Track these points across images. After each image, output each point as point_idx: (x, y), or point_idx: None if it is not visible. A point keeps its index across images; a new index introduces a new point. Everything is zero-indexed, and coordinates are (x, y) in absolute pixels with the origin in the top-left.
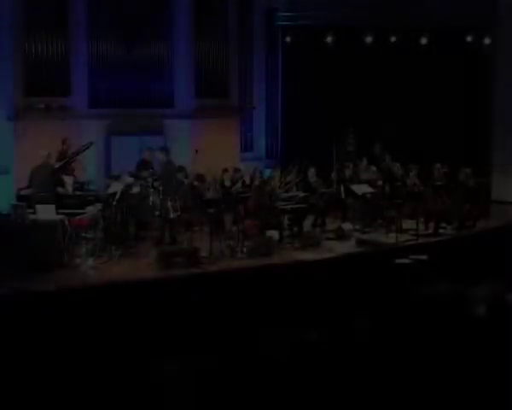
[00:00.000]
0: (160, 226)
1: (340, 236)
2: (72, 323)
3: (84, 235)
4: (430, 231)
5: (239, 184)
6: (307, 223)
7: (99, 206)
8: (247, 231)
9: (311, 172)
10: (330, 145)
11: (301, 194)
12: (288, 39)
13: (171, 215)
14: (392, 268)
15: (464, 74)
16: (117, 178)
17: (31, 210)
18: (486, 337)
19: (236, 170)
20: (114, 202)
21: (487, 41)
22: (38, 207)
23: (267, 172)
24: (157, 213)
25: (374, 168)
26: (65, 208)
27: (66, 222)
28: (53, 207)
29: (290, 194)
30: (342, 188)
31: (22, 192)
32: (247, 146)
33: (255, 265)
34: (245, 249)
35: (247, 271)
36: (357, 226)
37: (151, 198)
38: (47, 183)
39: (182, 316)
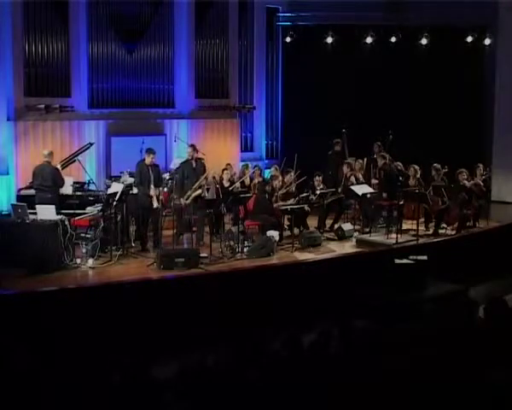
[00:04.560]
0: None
1: (340, 236)
2: (72, 323)
3: (84, 235)
4: (430, 231)
5: (237, 184)
6: (310, 224)
7: (99, 206)
8: (247, 231)
9: (318, 180)
10: (330, 145)
11: (303, 195)
12: (287, 39)
13: (155, 205)
14: (392, 268)
15: (464, 74)
16: (117, 178)
17: (31, 210)
18: (486, 338)
19: (229, 166)
20: (114, 202)
21: (487, 41)
22: (38, 207)
23: (267, 173)
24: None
25: (381, 162)
26: (66, 209)
27: (66, 222)
28: (53, 207)
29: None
30: (341, 188)
31: (22, 192)
32: (247, 146)
33: (255, 265)
34: (245, 249)
35: (247, 271)
36: (357, 226)
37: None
38: (49, 183)
39: (181, 316)
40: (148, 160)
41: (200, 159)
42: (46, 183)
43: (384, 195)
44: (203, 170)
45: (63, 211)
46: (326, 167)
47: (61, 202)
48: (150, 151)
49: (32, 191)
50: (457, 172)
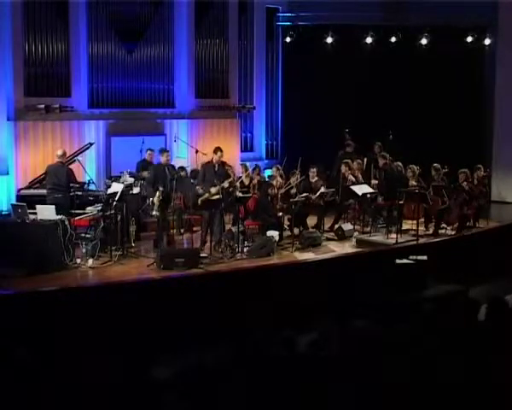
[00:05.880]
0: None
1: (340, 236)
2: (72, 323)
3: (84, 235)
4: (430, 231)
5: (236, 184)
6: (309, 224)
7: (99, 206)
8: (247, 231)
9: (312, 172)
10: (330, 145)
11: (302, 195)
12: (287, 39)
13: (154, 212)
14: (392, 268)
15: (464, 74)
16: (117, 178)
17: (31, 210)
18: (486, 338)
19: (229, 167)
20: (114, 202)
21: (487, 41)
22: (38, 207)
23: (267, 173)
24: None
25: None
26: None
27: (66, 222)
28: (53, 207)
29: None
30: (341, 188)
31: (22, 192)
32: (247, 146)
33: (255, 265)
34: (245, 249)
35: (247, 271)
36: (357, 226)
37: (151, 198)
38: (64, 183)
39: (181, 316)
40: (163, 159)
41: (224, 163)
42: (61, 183)
43: (380, 198)
44: (226, 175)
45: (74, 211)
46: (333, 167)
47: (73, 203)
48: (164, 150)
49: (33, 191)
50: (459, 172)
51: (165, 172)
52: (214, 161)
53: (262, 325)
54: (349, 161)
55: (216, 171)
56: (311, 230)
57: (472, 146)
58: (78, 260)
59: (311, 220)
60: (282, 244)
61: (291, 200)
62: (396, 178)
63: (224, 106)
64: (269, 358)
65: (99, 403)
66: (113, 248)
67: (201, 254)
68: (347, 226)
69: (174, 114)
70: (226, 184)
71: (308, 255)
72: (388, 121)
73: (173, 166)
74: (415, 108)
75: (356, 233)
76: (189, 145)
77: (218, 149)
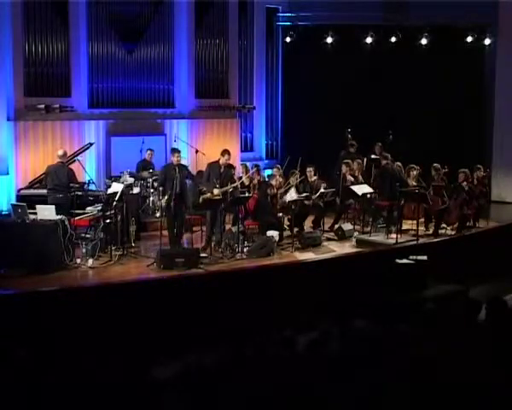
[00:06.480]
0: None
1: (340, 236)
2: (72, 323)
3: (84, 235)
4: (430, 231)
5: (237, 183)
6: (307, 223)
7: (99, 206)
8: (246, 231)
9: (310, 171)
10: (330, 145)
11: (302, 195)
12: (287, 39)
13: (157, 214)
14: (392, 268)
15: (464, 74)
16: (117, 178)
17: (31, 210)
18: (486, 338)
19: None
20: (114, 202)
21: (487, 41)
22: (38, 207)
23: (267, 172)
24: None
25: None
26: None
27: (66, 222)
28: (53, 207)
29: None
30: (341, 188)
31: (22, 192)
32: (247, 146)
33: (255, 265)
34: (245, 249)
35: (247, 271)
36: (357, 226)
37: (151, 198)
38: (65, 183)
39: (181, 316)
40: (174, 159)
41: (230, 166)
42: (61, 183)
43: (373, 196)
44: (230, 178)
45: (74, 211)
46: (334, 167)
47: (73, 203)
48: (174, 151)
49: (33, 191)
50: (459, 172)
51: (175, 171)
52: (221, 162)
53: (262, 325)
54: (349, 161)
55: (221, 172)
56: (310, 230)
57: (472, 146)
58: (78, 260)
59: (309, 221)
60: (282, 244)
61: (289, 200)
62: (394, 178)
63: (224, 106)
64: (269, 358)
65: (99, 403)
66: (113, 248)
67: (201, 254)
68: (347, 226)
69: (174, 114)
70: (230, 189)
71: (308, 255)
72: (388, 121)
73: (184, 166)
74: (415, 108)
75: (356, 233)
76: (188, 145)
77: (225, 152)
